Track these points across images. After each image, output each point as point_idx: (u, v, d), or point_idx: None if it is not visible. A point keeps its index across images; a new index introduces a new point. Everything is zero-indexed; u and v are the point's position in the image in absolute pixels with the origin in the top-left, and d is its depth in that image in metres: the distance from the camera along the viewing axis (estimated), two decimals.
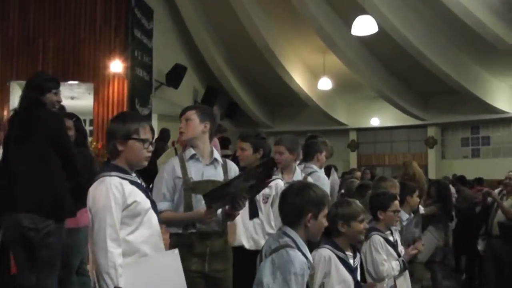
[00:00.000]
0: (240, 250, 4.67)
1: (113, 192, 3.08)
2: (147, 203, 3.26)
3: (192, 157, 4.13)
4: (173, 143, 11.04)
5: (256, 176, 3.73)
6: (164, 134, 12.28)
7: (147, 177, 3.92)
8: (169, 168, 4.15)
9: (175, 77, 14.10)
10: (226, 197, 3.75)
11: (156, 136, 12.45)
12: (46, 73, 5.40)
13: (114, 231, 3.03)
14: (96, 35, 12.11)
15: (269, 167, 3.84)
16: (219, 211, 3.95)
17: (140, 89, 12.55)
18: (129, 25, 11.93)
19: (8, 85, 11.70)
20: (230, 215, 4.04)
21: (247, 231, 4.85)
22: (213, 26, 16.28)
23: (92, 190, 3.15)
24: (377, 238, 4.62)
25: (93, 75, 12.19)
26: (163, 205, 3.91)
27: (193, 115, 4.16)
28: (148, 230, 3.25)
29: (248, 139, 4.98)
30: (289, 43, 16.70)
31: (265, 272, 3.09)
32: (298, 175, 5.37)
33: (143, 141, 3.28)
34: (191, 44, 16.57)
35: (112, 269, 2.96)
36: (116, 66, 11.64)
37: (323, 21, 14.52)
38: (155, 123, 15.56)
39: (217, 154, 4.19)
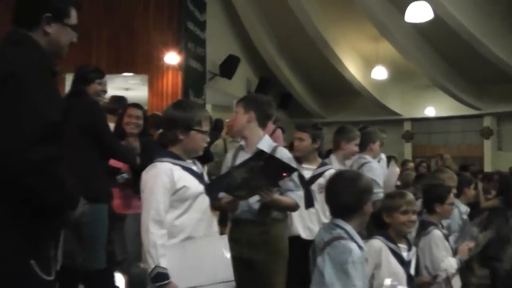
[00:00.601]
0: (296, 239, 4.71)
1: (161, 177, 3.22)
2: (199, 188, 3.37)
3: (241, 147, 4.28)
4: (226, 133, 11.18)
5: (262, 169, 3.70)
6: (218, 124, 12.37)
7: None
8: (226, 158, 4.42)
9: (228, 67, 14.18)
10: (235, 187, 3.73)
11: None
12: (90, 65, 5.65)
13: (158, 213, 3.18)
14: (150, 26, 12.20)
15: (275, 162, 3.79)
16: (253, 200, 3.98)
17: (194, 80, 12.64)
18: (181, 17, 12.00)
19: (64, 77, 11.87)
20: (268, 206, 4.03)
21: (303, 220, 4.91)
22: (266, 16, 16.24)
23: (144, 175, 3.32)
24: (437, 233, 4.49)
25: (147, 66, 12.31)
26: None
27: (238, 107, 4.26)
28: (197, 214, 3.36)
29: (306, 129, 5.07)
30: (342, 31, 16.51)
31: (326, 268, 3.07)
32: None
33: (205, 132, 3.40)
34: (244, 35, 16.60)
35: (152, 248, 3.10)
36: (170, 57, 11.75)
37: (376, 7, 14.27)
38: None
39: (263, 144, 4.18)
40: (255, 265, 4.06)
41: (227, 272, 3.34)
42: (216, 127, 12.35)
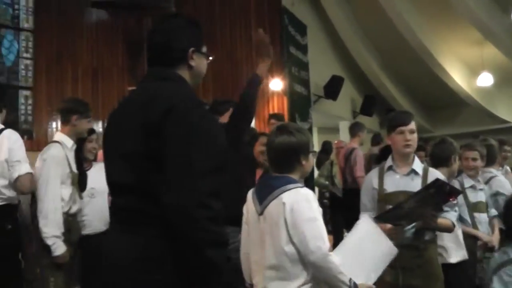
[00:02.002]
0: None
1: (315, 200, 3.07)
2: None
3: (390, 168, 4.19)
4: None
5: (431, 197, 3.66)
6: (326, 147, 12.39)
7: None
8: (368, 179, 4.32)
9: (332, 89, 14.10)
10: (399, 217, 3.76)
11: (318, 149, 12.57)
12: (221, 98, 5.97)
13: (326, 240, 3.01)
14: (252, 55, 12.33)
15: (444, 188, 3.73)
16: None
17: (299, 104, 12.66)
18: (284, 43, 12.06)
19: None
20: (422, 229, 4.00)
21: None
22: (366, 33, 16.10)
23: (290, 201, 3.04)
24: None
25: None
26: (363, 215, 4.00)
27: (414, 125, 4.22)
28: None
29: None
30: (444, 39, 15.98)
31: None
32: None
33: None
34: (345, 54, 16.49)
35: (342, 267, 2.93)
36: (275, 84, 11.81)
37: (477, 9, 13.68)
38: (315, 136, 15.65)
39: (416, 165, 4.15)
40: None
41: (388, 245, 3.33)
42: (324, 150, 12.35)
